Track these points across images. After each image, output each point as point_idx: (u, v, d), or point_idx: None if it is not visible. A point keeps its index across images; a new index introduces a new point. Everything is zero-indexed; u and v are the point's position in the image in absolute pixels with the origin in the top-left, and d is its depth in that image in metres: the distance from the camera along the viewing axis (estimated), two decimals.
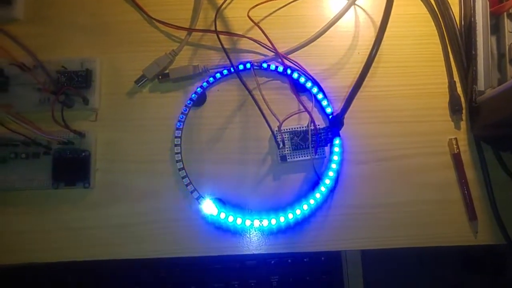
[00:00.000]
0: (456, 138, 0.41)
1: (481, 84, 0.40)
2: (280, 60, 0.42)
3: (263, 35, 0.40)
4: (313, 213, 0.40)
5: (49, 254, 0.39)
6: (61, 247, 0.40)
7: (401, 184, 0.41)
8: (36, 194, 0.40)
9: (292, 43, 0.42)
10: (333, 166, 0.40)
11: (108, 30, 0.44)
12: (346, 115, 0.36)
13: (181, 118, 0.41)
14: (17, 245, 0.40)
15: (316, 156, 0.40)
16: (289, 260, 0.51)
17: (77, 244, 0.40)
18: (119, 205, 0.40)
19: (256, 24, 0.40)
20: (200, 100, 0.42)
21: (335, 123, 0.35)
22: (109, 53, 0.43)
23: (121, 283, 0.51)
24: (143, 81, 0.42)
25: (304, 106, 0.37)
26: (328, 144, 0.40)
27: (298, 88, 0.42)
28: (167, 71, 0.42)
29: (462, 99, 0.42)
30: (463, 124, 0.42)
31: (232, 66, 0.39)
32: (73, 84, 0.41)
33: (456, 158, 0.41)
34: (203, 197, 0.39)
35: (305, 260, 0.50)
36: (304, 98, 0.42)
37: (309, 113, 0.38)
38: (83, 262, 0.39)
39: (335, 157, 0.40)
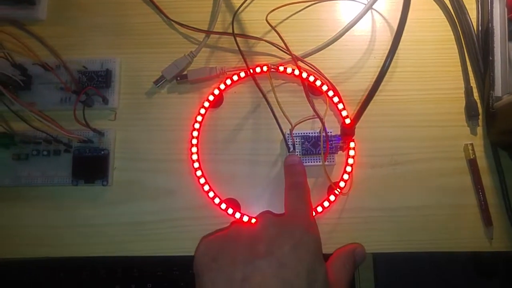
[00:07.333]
0: (472, 144, 0.41)
1: (498, 90, 0.40)
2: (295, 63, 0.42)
3: (279, 37, 0.41)
4: (324, 216, 0.40)
5: (66, 249, 0.40)
6: (78, 243, 0.40)
7: (415, 188, 0.41)
8: (56, 190, 0.41)
9: (309, 46, 0.42)
10: (347, 169, 0.40)
11: (128, 31, 0.45)
12: (361, 119, 0.36)
13: (198, 118, 0.42)
14: (36, 239, 0.41)
15: (326, 163, 0.40)
16: None
17: (94, 240, 0.40)
18: (136, 203, 0.41)
19: (273, 28, 0.40)
20: (217, 101, 0.43)
21: (346, 134, 0.35)
22: (128, 53, 0.44)
23: (135, 280, 0.52)
24: (162, 81, 0.42)
25: (316, 113, 0.37)
26: (339, 152, 0.41)
27: (314, 91, 0.42)
28: (185, 72, 0.43)
29: (479, 105, 0.42)
30: (479, 130, 0.42)
31: (248, 68, 0.40)
32: (93, 84, 0.42)
33: (472, 164, 0.41)
34: (218, 197, 0.40)
35: None
36: (319, 101, 0.42)
37: (321, 119, 0.38)
38: (98, 257, 0.40)
39: (349, 161, 0.40)
